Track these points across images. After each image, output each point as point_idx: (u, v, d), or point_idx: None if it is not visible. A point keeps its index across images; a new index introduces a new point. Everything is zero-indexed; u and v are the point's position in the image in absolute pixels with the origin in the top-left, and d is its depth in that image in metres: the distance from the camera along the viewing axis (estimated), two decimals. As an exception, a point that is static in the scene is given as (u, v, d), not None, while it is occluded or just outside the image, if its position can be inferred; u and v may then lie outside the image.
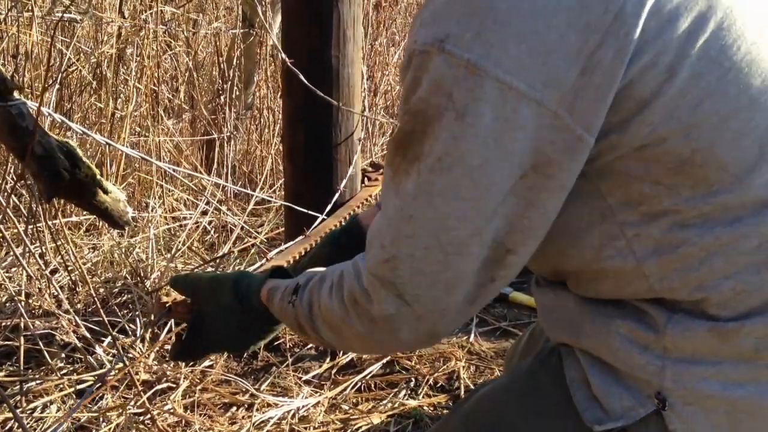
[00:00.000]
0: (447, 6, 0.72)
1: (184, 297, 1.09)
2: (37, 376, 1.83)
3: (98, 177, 1.26)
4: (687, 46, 0.71)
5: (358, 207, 1.90)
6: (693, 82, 0.72)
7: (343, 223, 1.32)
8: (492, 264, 0.78)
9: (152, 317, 1.15)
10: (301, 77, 1.88)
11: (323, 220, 1.88)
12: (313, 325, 0.90)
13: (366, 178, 2.05)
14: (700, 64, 0.72)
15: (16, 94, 1.15)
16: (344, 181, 2.03)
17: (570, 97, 0.70)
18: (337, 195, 2.01)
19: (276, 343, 2.07)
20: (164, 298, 1.11)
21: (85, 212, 2.55)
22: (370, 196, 1.96)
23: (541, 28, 0.69)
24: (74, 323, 1.88)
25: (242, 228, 2.59)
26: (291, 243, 1.64)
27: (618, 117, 0.73)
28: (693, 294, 0.78)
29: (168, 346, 1.97)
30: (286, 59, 1.88)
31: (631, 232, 0.78)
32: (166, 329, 2.00)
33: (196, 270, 2.35)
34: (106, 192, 1.27)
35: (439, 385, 1.95)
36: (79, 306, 2.12)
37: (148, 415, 1.72)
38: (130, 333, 1.97)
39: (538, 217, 0.76)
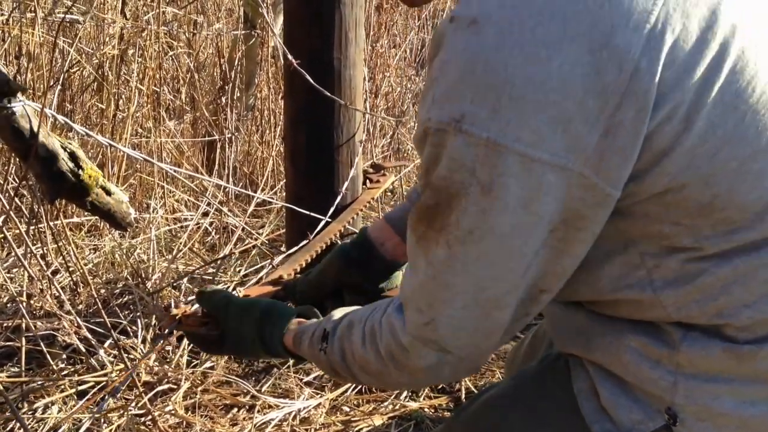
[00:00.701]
0: (459, 83, 0.71)
1: (194, 309, 1.10)
2: (38, 377, 1.83)
3: (101, 178, 1.26)
4: (703, 95, 0.70)
5: (361, 210, 1.90)
6: (710, 131, 0.71)
7: (348, 229, 1.33)
8: (527, 303, 0.80)
9: (160, 329, 1.17)
10: (307, 77, 1.88)
11: (327, 223, 1.88)
12: (349, 371, 0.93)
13: (368, 180, 2.05)
14: (716, 112, 0.71)
15: (19, 95, 1.15)
16: (346, 183, 2.03)
17: (595, 158, 0.70)
18: (339, 197, 2.01)
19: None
20: (174, 311, 1.12)
21: (86, 213, 2.54)
22: (372, 198, 1.96)
23: (558, 98, 0.68)
24: (76, 324, 1.88)
25: (243, 229, 2.59)
26: (296, 249, 1.63)
27: (635, 168, 0.72)
28: (712, 320, 0.78)
29: (168, 348, 1.97)
30: (293, 60, 1.88)
31: (651, 263, 0.78)
32: (166, 332, 1.99)
33: (198, 270, 2.35)
34: (108, 193, 1.27)
35: (440, 387, 1.94)
36: (80, 307, 2.12)
37: (149, 417, 1.72)
38: (131, 334, 1.97)
39: (570, 260, 0.77)
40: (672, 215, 0.75)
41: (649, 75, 0.68)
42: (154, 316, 2.04)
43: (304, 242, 1.64)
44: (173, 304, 1.11)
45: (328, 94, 1.92)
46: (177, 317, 1.11)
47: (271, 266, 1.90)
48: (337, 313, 0.98)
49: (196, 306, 1.12)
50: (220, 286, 2.19)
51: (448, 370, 0.84)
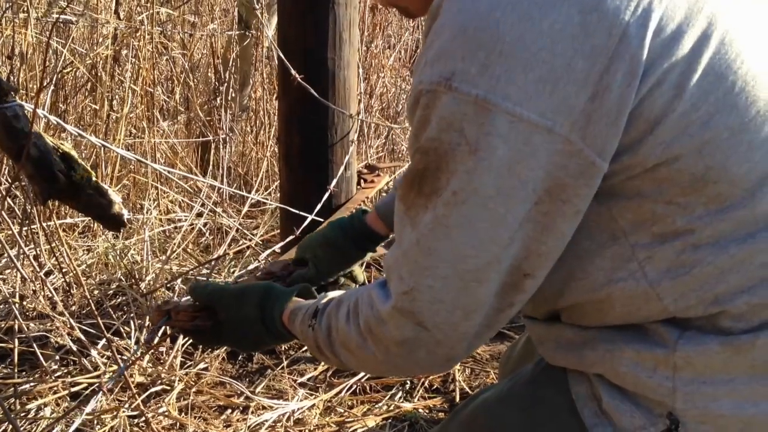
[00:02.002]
0: (451, 43, 0.72)
1: (185, 305, 1.09)
2: (31, 379, 1.83)
3: (94, 179, 1.25)
4: (693, 63, 0.72)
5: (354, 210, 1.90)
6: (702, 98, 0.72)
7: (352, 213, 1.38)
8: (510, 289, 0.78)
9: (150, 325, 1.16)
10: (299, 79, 1.88)
11: (320, 222, 1.88)
12: (332, 348, 0.92)
13: (362, 180, 2.05)
14: (707, 79, 0.72)
15: (12, 95, 1.14)
16: (334, 181, 2.02)
17: (581, 122, 0.70)
18: (332, 197, 2.01)
19: (271, 346, 2.06)
20: (163, 307, 1.11)
21: (79, 214, 2.54)
22: (366, 198, 1.96)
23: (547, 57, 0.69)
24: (69, 325, 1.88)
25: (237, 230, 2.58)
26: (281, 244, 1.63)
27: (629, 138, 0.73)
28: (708, 309, 0.78)
29: (162, 349, 1.96)
30: (295, 75, 1.88)
31: (643, 254, 0.78)
32: (161, 332, 1.99)
33: (192, 271, 2.34)
34: (102, 194, 1.26)
35: (434, 387, 1.95)
36: (73, 308, 2.11)
37: (143, 418, 1.72)
38: (124, 335, 1.97)
39: (554, 241, 0.76)
40: (665, 193, 0.75)
41: (637, 40, 0.69)
42: (147, 317, 2.03)
43: (290, 237, 1.64)
44: (162, 301, 1.10)
45: (322, 99, 1.92)
46: (167, 312, 1.10)
47: (267, 261, 1.89)
48: (333, 294, 0.98)
49: (186, 300, 1.11)
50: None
51: (423, 351, 0.82)
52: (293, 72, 1.88)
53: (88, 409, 1.39)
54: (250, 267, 2.24)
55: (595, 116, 0.70)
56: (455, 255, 0.76)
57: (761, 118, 0.75)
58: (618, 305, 0.81)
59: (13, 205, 2.42)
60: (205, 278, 2.32)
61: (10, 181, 2.39)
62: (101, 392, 1.34)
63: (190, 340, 1.97)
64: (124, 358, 1.89)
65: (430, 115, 0.73)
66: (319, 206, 1.95)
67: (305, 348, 2.07)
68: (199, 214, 2.72)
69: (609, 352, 0.83)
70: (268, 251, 1.99)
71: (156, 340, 1.25)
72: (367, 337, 0.86)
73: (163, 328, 1.14)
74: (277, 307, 1.02)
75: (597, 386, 0.85)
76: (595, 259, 0.80)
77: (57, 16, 2.38)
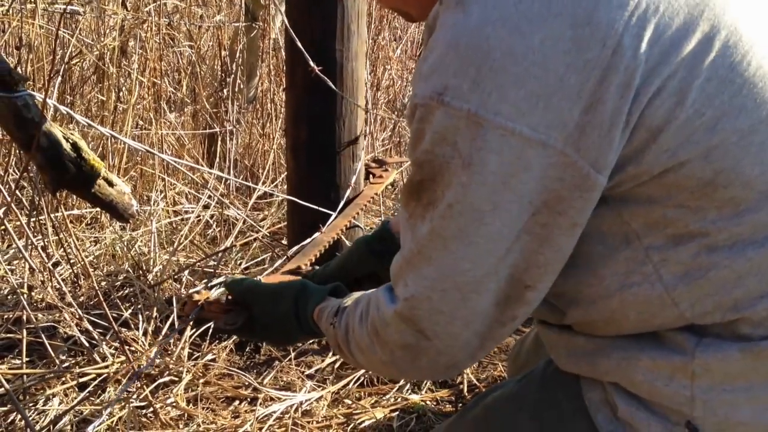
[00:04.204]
0: (443, 58, 0.72)
1: (215, 297, 1.11)
2: (39, 370, 1.83)
3: (103, 169, 1.25)
4: (694, 69, 0.71)
5: (365, 205, 1.90)
6: (706, 103, 0.71)
7: (353, 223, 1.35)
8: (512, 301, 0.78)
9: (182, 314, 1.19)
10: (317, 70, 1.86)
11: (329, 215, 1.88)
12: (348, 347, 0.93)
13: (370, 175, 2.04)
14: (711, 84, 0.71)
15: (21, 85, 1.14)
16: (349, 176, 2.02)
17: (575, 135, 0.70)
18: (339, 190, 2.00)
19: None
20: (196, 297, 1.13)
21: (87, 205, 2.54)
22: (376, 194, 1.96)
23: (539, 72, 0.68)
24: (77, 316, 1.88)
25: (244, 222, 2.58)
26: (308, 241, 1.63)
27: (632, 148, 0.72)
28: (726, 316, 0.77)
29: (170, 340, 1.97)
30: (314, 66, 1.86)
31: (657, 257, 0.77)
32: (168, 324, 1.99)
33: (199, 263, 2.35)
34: (111, 184, 1.26)
35: (441, 380, 1.94)
36: (81, 299, 2.11)
37: (151, 409, 1.72)
38: (132, 326, 1.97)
39: (552, 254, 0.76)
40: (675, 197, 0.74)
41: (632, 51, 0.68)
42: (155, 309, 2.03)
43: (316, 234, 1.64)
44: (196, 290, 1.12)
45: (334, 88, 1.91)
46: (200, 303, 1.11)
47: (285, 257, 1.89)
48: (357, 294, 0.99)
49: (217, 293, 1.13)
50: (221, 279, 2.18)
51: (425, 360, 0.82)
52: (311, 63, 1.87)
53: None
54: (259, 259, 2.24)
55: (588, 128, 0.70)
56: (453, 266, 0.76)
57: None
58: (632, 313, 0.80)
59: (21, 196, 2.42)
60: (212, 270, 2.33)
61: (18, 172, 2.39)
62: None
63: (198, 330, 1.98)
64: (132, 349, 1.89)
65: (425, 129, 0.74)
66: (326, 200, 1.95)
67: (313, 340, 2.07)
68: (206, 206, 2.71)
69: (624, 361, 0.82)
70: (296, 247, 1.98)
71: (162, 326, 1.26)
72: (373, 339, 0.87)
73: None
74: (311, 303, 1.03)
75: (611, 393, 0.84)
76: (608, 263, 0.79)
77: (64, 6, 2.38)
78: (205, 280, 2.24)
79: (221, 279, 2.17)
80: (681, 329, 0.79)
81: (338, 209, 1.92)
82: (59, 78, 2.53)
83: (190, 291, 1.14)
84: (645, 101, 0.70)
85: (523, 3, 0.69)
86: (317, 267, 1.37)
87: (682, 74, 0.70)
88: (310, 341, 2.06)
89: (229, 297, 1.11)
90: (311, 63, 1.87)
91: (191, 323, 1.22)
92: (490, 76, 0.69)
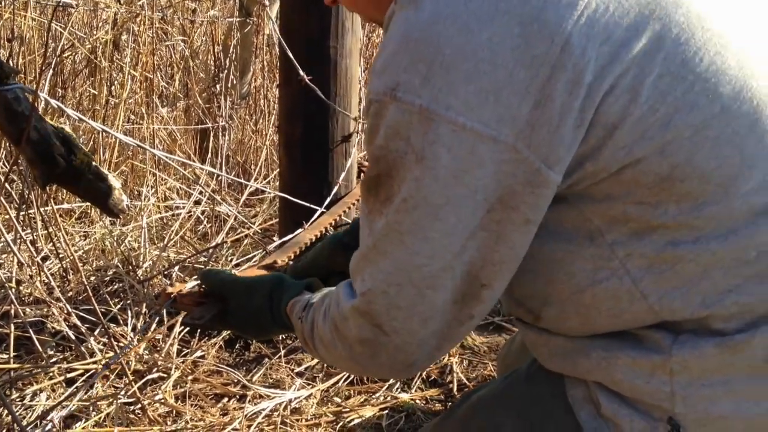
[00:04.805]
0: (395, 55, 0.73)
1: (189, 289, 1.11)
2: (27, 364, 1.82)
3: (94, 164, 1.24)
4: (646, 66, 0.71)
5: (354, 203, 1.89)
6: (660, 100, 0.72)
7: (341, 221, 1.34)
8: (469, 299, 0.78)
9: (155, 306, 1.19)
10: (306, 80, 1.86)
11: (321, 213, 1.87)
12: (313, 342, 0.93)
13: (362, 172, 2.04)
14: (663, 81, 0.72)
15: (12, 78, 1.13)
16: (341, 173, 2.02)
17: (527, 131, 0.70)
18: (332, 187, 2.00)
19: (268, 335, 2.06)
20: (169, 289, 1.13)
21: (76, 199, 2.53)
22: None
23: (488, 68, 0.69)
24: (65, 311, 1.87)
25: (236, 218, 2.57)
26: (289, 237, 1.63)
27: (588, 146, 0.73)
28: (696, 311, 0.77)
29: (159, 336, 1.96)
30: (304, 76, 1.86)
31: (622, 252, 0.77)
32: (157, 320, 1.98)
33: (189, 259, 2.34)
34: (101, 179, 1.25)
35: (431, 378, 1.94)
36: (70, 294, 2.10)
37: (139, 405, 1.71)
38: (121, 322, 1.96)
39: (506, 251, 0.76)
40: (634, 193, 0.75)
41: (580, 49, 0.69)
42: (144, 305, 2.02)
43: (298, 231, 1.64)
44: (170, 283, 1.12)
45: (325, 98, 1.91)
46: (172, 295, 1.11)
47: (265, 253, 1.88)
48: (327, 289, 1.00)
49: (192, 285, 1.12)
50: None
51: (384, 356, 0.83)
52: (301, 73, 1.87)
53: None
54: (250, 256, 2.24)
55: (538, 124, 0.70)
56: (408, 261, 0.76)
57: (726, 113, 0.74)
58: (603, 308, 0.80)
59: (10, 189, 2.40)
60: (203, 266, 2.32)
61: (7, 165, 2.37)
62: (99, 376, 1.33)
63: (188, 327, 1.97)
64: (121, 344, 1.88)
65: (379, 125, 0.74)
66: (318, 197, 1.94)
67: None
68: (197, 202, 2.70)
69: (604, 360, 0.82)
70: (274, 244, 1.98)
71: (151, 322, 1.26)
72: (334, 334, 0.87)
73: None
74: (285, 297, 1.03)
75: (594, 391, 0.85)
76: (576, 260, 0.80)
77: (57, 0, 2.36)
78: (195, 277, 2.23)
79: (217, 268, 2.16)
80: (657, 327, 0.79)
81: (324, 206, 1.92)
82: (51, 71, 2.52)
83: (166, 284, 1.14)
84: (598, 99, 0.71)
85: (473, 2, 0.70)
86: (291, 262, 1.37)
87: (634, 72, 0.71)
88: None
89: (203, 288, 1.11)
90: (301, 72, 1.88)
91: (165, 314, 1.22)
92: (440, 72, 0.70)
